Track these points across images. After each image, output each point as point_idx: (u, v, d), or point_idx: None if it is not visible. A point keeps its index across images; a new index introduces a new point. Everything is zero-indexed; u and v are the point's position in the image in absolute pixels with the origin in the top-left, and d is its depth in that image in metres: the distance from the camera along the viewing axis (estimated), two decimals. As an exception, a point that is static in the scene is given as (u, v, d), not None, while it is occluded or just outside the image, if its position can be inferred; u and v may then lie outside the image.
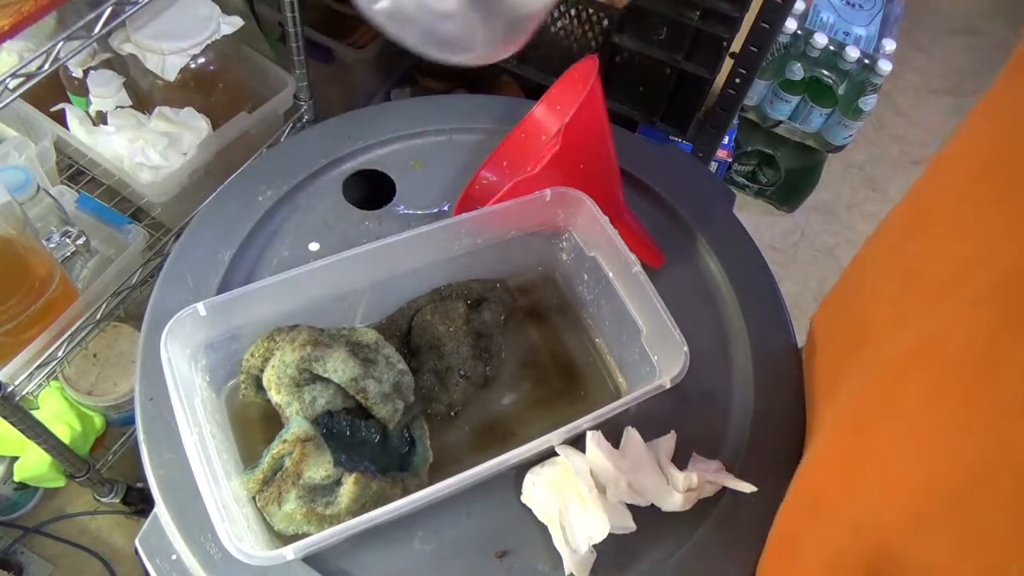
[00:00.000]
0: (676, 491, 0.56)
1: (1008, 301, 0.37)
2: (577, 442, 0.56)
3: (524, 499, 0.56)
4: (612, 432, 0.57)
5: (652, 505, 0.56)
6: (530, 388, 0.64)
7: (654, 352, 0.58)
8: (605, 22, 0.94)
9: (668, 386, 0.53)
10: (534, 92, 1.11)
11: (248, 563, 0.44)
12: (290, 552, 0.45)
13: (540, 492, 0.55)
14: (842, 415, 0.53)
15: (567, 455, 0.55)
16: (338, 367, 0.55)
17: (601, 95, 0.63)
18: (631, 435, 0.57)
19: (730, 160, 1.64)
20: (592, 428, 0.54)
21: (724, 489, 0.58)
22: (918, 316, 0.45)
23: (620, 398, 0.54)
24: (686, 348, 0.54)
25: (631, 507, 0.56)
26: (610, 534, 0.52)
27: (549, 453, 0.56)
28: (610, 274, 0.62)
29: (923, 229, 0.48)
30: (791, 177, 1.75)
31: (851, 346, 0.54)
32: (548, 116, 0.72)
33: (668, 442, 0.59)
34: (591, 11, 0.94)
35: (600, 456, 0.54)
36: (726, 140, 1.50)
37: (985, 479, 0.37)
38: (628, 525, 0.54)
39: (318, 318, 0.59)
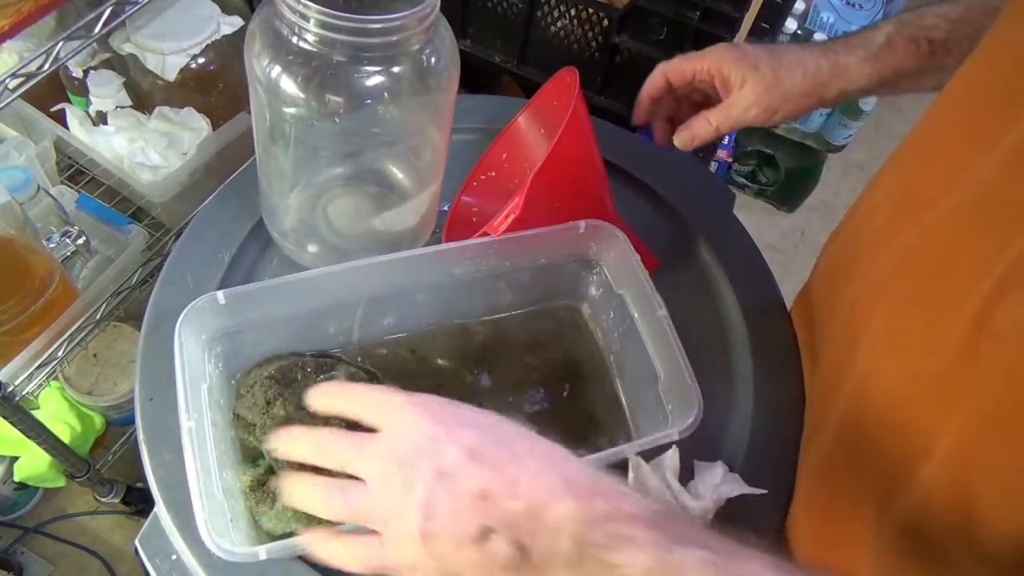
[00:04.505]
0: None
1: (975, 213, 0.39)
2: None
3: None
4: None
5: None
6: (541, 421, 0.62)
7: (668, 400, 0.57)
8: (605, 22, 0.94)
9: (677, 438, 0.53)
10: (534, 92, 1.11)
11: (224, 558, 0.45)
12: (263, 552, 0.45)
13: None
14: (836, 335, 0.55)
15: None
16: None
17: (582, 111, 0.62)
18: (639, 465, 0.56)
19: (730, 160, 1.64)
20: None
21: (724, 489, 0.58)
22: (904, 230, 0.47)
23: (630, 440, 0.54)
24: (700, 402, 0.53)
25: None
26: None
27: None
28: (636, 315, 0.61)
29: (924, 147, 0.49)
30: (791, 177, 1.75)
31: (846, 270, 0.55)
32: (532, 126, 0.72)
33: (672, 459, 0.58)
34: (591, 11, 0.94)
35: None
36: (726, 140, 1.50)
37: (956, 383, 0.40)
38: None
39: (337, 321, 0.59)
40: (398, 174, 0.68)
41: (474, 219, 0.71)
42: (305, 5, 0.48)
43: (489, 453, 0.35)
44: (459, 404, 0.38)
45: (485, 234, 0.59)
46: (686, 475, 0.58)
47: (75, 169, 0.95)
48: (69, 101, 0.93)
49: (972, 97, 0.44)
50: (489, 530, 0.33)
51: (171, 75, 0.88)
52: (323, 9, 0.48)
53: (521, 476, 0.34)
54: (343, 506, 0.37)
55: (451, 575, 0.34)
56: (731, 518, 0.57)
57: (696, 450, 0.60)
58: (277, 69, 0.53)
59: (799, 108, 0.59)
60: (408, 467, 0.35)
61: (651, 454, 0.57)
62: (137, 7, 0.69)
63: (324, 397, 0.41)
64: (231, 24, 0.91)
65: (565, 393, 0.65)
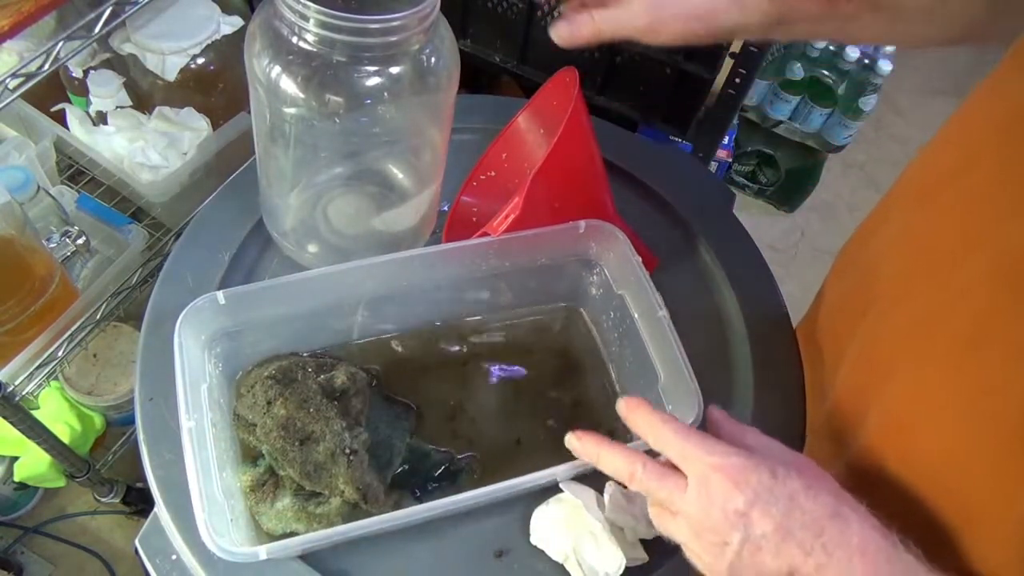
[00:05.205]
0: None
1: (1004, 282, 0.38)
2: (582, 479, 0.55)
3: (534, 540, 0.56)
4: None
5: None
6: (543, 423, 0.63)
7: (669, 401, 0.57)
8: (605, 22, 0.94)
9: None
10: (534, 92, 1.11)
11: (224, 558, 0.45)
12: (263, 552, 0.45)
13: (551, 531, 0.55)
14: (847, 379, 0.54)
15: (575, 492, 0.54)
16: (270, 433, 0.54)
17: (582, 111, 0.62)
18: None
19: (730, 160, 1.64)
20: (593, 469, 0.53)
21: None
22: (922, 289, 0.46)
23: (630, 440, 0.53)
24: (700, 402, 0.53)
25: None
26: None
27: (553, 489, 0.56)
28: (636, 315, 0.61)
29: (933, 200, 0.48)
30: (791, 177, 1.75)
31: (858, 314, 0.54)
32: (532, 126, 0.71)
33: None
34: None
35: (620, 511, 0.54)
36: (726, 140, 1.50)
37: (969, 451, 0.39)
38: (640, 556, 0.54)
39: (337, 321, 0.59)
40: (398, 174, 0.68)
41: (474, 219, 0.71)
42: (305, 5, 0.48)
43: (797, 534, 0.38)
44: (772, 470, 0.40)
45: (485, 234, 0.59)
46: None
47: (75, 169, 0.95)
48: (69, 101, 0.93)
49: (989, 151, 0.43)
50: None
51: (171, 75, 0.88)
52: (323, 9, 0.48)
53: (826, 561, 0.37)
54: (662, 494, 0.42)
55: None
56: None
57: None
58: (277, 69, 0.53)
59: (689, 31, 0.54)
60: (718, 529, 0.39)
61: (652, 454, 0.58)
62: (137, 7, 0.69)
63: (633, 416, 0.45)
64: (231, 24, 0.91)
65: (565, 393, 0.65)
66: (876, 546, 0.37)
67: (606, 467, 0.45)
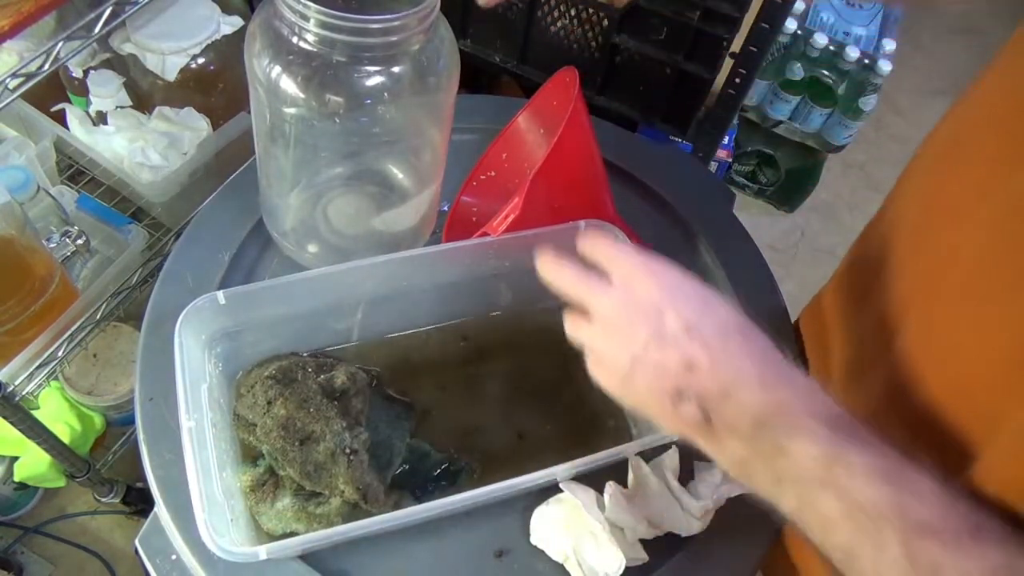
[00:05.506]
0: (694, 518, 0.55)
1: (1008, 226, 0.39)
2: (582, 479, 0.55)
3: (534, 540, 0.56)
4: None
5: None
6: (543, 423, 0.63)
7: None
8: (605, 22, 0.94)
9: (677, 438, 0.53)
10: (534, 92, 1.10)
11: (224, 558, 0.45)
12: (263, 552, 0.45)
13: (551, 531, 0.55)
14: (857, 352, 0.55)
15: (574, 491, 0.54)
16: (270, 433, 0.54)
17: (582, 110, 0.62)
18: (639, 466, 0.57)
19: (730, 160, 1.64)
20: (594, 468, 0.54)
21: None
22: (934, 239, 0.47)
23: (630, 440, 0.54)
24: None
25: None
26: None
27: (553, 489, 0.56)
28: None
29: (950, 158, 0.49)
30: (791, 177, 1.75)
31: (867, 284, 0.55)
32: (532, 125, 0.71)
33: (672, 458, 0.58)
34: (591, 11, 0.94)
35: (620, 511, 0.54)
36: (726, 140, 1.50)
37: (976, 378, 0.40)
38: (640, 556, 0.54)
39: (337, 321, 0.59)
40: (398, 174, 0.68)
41: (474, 219, 0.71)
42: (305, 5, 0.48)
43: (705, 331, 0.40)
44: (686, 276, 0.42)
45: (485, 234, 0.59)
46: (686, 475, 0.58)
47: (75, 169, 0.95)
48: (69, 101, 0.93)
49: (1001, 111, 0.44)
50: (683, 394, 0.39)
51: (171, 75, 0.88)
52: (323, 9, 0.48)
53: (723, 359, 0.39)
54: (583, 294, 0.43)
55: (631, 404, 0.42)
56: (731, 518, 0.57)
57: (696, 450, 0.59)
58: (277, 69, 0.53)
59: None
60: (632, 325, 0.41)
61: (651, 454, 0.57)
62: (137, 7, 0.69)
63: (589, 245, 0.46)
64: (231, 24, 0.91)
65: (565, 393, 0.65)
66: (776, 358, 0.40)
67: (556, 279, 0.45)
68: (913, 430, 0.45)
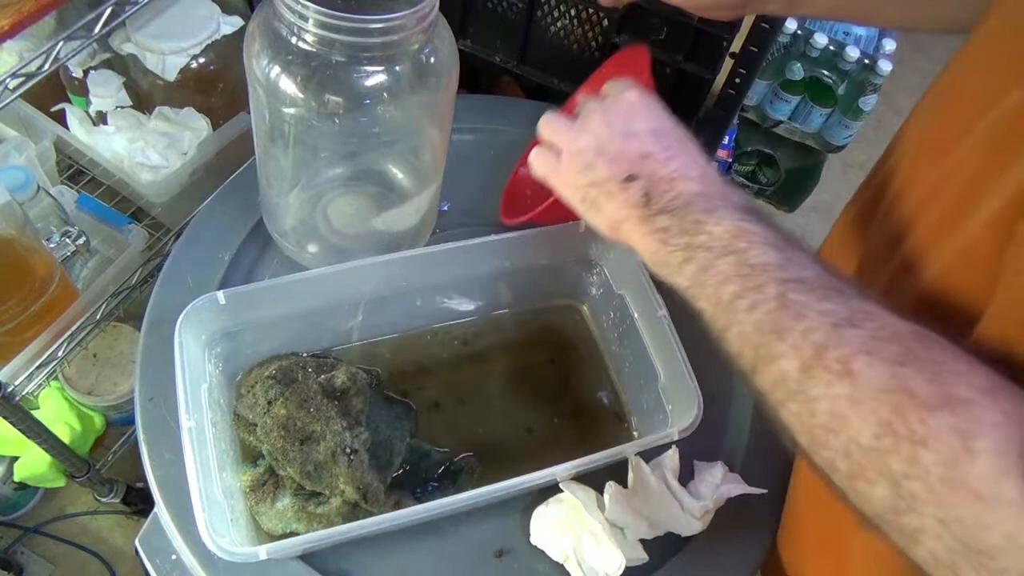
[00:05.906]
0: (694, 518, 0.56)
1: (996, 145, 0.40)
2: (582, 479, 0.55)
3: (534, 540, 0.56)
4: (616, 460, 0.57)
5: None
6: (543, 423, 0.63)
7: (669, 400, 0.57)
8: (605, 22, 0.94)
9: (677, 437, 0.53)
10: (534, 92, 1.10)
11: (224, 558, 0.45)
12: (263, 552, 0.45)
13: (551, 531, 0.55)
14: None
15: (573, 491, 0.54)
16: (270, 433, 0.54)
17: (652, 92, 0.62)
18: (639, 466, 0.57)
19: (730, 160, 1.64)
20: (594, 468, 0.54)
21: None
22: (927, 169, 0.48)
23: (630, 439, 0.54)
24: (700, 402, 0.53)
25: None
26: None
27: (553, 489, 0.56)
28: (636, 315, 0.61)
29: (944, 98, 0.50)
30: (791, 177, 1.75)
31: (863, 226, 0.56)
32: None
33: (672, 459, 0.58)
34: (591, 11, 0.94)
35: (620, 511, 0.54)
36: (726, 140, 1.50)
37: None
38: (640, 556, 0.54)
39: (337, 321, 0.59)
40: (398, 174, 0.68)
41: (528, 192, 0.71)
42: (304, 5, 0.48)
43: (667, 138, 0.47)
44: (652, 104, 0.49)
45: (533, 219, 0.61)
46: (686, 475, 0.58)
47: (75, 169, 0.95)
48: (69, 101, 0.93)
49: (994, 45, 0.45)
50: (635, 178, 0.45)
51: (171, 75, 0.87)
52: (322, 9, 0.48)
53: (678, 157, 0.46)
54: (562, 130, 0.49)
55: (585, 196, 0.47)
56: (731, 518, 0.58)
57: (696, 450, 0.60)
58: (277, 69, 0.53)
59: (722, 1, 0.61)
60: (600, 125, 0.47)
61: (651, 454, 0.57)
62: (137, 7, 0.69)
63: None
64: (231, 24, 0.91)
65: (565, 393, 0.65)
66: (718, 176, 0.46)
67: (544, 130, 0.51)
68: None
